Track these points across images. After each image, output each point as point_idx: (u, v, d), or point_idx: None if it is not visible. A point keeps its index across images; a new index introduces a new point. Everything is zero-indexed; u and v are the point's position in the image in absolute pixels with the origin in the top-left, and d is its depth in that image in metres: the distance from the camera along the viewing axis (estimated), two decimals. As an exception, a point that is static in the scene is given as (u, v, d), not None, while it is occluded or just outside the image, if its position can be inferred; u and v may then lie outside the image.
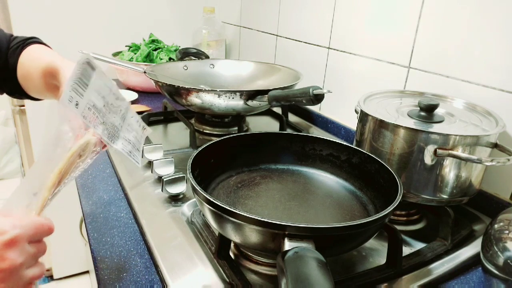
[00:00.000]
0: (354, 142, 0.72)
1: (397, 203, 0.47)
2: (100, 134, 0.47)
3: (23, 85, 0.65)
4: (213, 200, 0.45)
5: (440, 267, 0.55)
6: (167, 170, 0.72)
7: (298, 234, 0.41)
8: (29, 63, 0.62)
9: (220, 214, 0.45)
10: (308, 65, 1.13)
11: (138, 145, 0.55)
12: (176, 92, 0.87)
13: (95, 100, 0.47)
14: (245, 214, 0.42)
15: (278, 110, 1.09)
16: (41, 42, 0.67)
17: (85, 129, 0.46)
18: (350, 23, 0.96)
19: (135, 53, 1.36)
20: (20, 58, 0.63)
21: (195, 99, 0.85)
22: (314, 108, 1.13)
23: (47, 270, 1.79)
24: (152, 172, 0.72)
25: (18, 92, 0.67)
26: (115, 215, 0.64)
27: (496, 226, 0.48)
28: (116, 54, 1.41)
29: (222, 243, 0.52)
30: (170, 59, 1.36)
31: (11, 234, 0.34)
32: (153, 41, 1.41)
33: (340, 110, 1.04)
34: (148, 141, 0.88)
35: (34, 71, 0.61)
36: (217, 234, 0.54)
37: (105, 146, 0.49)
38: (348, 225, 0.42)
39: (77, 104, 0.44)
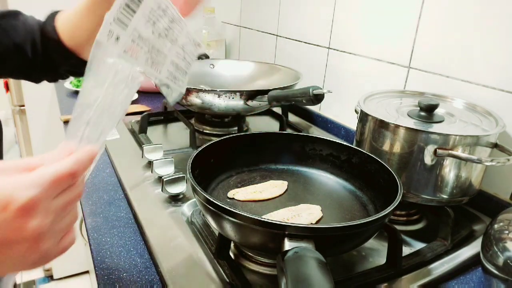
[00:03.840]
0: (354, 142, 0.72)
1: (397, 203, 0.47)
2: (143, 64, 0.41)
3: (74, 47, 0.56)
4: (213, 200, 0.45)
5: (440, 267, 0.55)
6: (167, 170, 0.72)
7: (298, 234, 0.41)
8: (70, 13, 0.55)
9: (220, 214, 0.45)
10: (308, 65, 1.13)
11: (187, 67, 0.48)
12: (176, 92, 0.87)
13: (142, 29, 0.39)
14: (245, 214, 0.42)
15: (278, 110, 1.09)
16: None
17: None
18: (350, 23, 0.96)
19: (135, 53, 1.36)
20: (56, 22, 0.55)
21: (195, 99, 0.85)
22: (314, 108, 1.13)
23: (47, 270, 1.79)
24: (152, 172, 0.72)
25: (72, 61, 0.57)
26: (115, 215, 0.64)
27: (496, 226, 0.48)
28: (116, 54, 1.40)
29: (222, 243, 0.52)
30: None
31: (23, 198, 0.29)
32: (153, 41, 1.41)
33: (340, 110, 1.04)
34: (148, 141, 0.88)
35: (79, 12, 0.53)
36: (217, 234, 0.54)
37: None
38: (348, 225, 0.42)
39: (117, 39, 0.37)
